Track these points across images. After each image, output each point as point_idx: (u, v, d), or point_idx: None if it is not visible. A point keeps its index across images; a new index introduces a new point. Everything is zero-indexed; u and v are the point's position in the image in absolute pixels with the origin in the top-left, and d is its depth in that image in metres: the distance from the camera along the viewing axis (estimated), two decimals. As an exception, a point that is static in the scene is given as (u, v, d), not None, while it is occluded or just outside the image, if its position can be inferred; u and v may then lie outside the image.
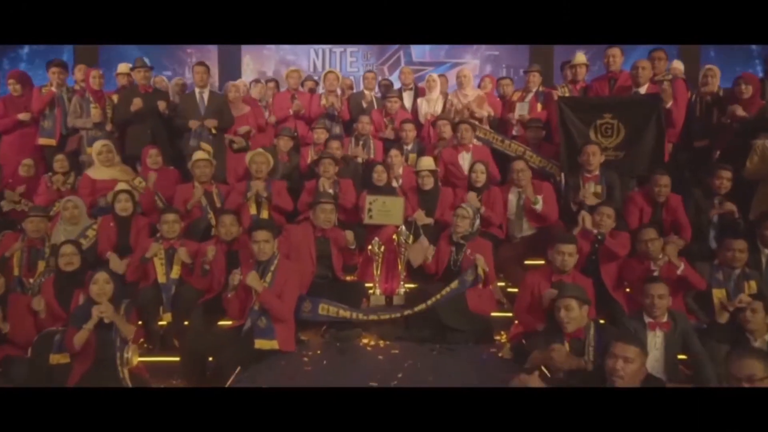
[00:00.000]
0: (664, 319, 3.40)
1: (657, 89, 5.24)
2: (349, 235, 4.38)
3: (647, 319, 3.41)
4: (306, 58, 11.02)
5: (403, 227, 4.47)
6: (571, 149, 5.31)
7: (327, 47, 11.38)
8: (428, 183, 4.87)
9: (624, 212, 4.72)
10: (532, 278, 3.85)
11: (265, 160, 5.01)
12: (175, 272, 4.20)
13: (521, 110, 6.13)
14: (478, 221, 4.29)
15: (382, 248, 4.39)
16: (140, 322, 3.89)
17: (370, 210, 4.64)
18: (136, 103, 5.52)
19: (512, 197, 4.91)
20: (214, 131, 5.52)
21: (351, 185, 5.11)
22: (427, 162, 4.96)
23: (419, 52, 11.47)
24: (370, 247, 4.40)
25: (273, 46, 10.68)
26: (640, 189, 4.89)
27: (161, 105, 5.65)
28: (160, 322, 4.08)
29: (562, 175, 5.38)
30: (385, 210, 4.62)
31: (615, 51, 5.69)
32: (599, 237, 4.15)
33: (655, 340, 3.36)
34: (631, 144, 5.15)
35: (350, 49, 11.63)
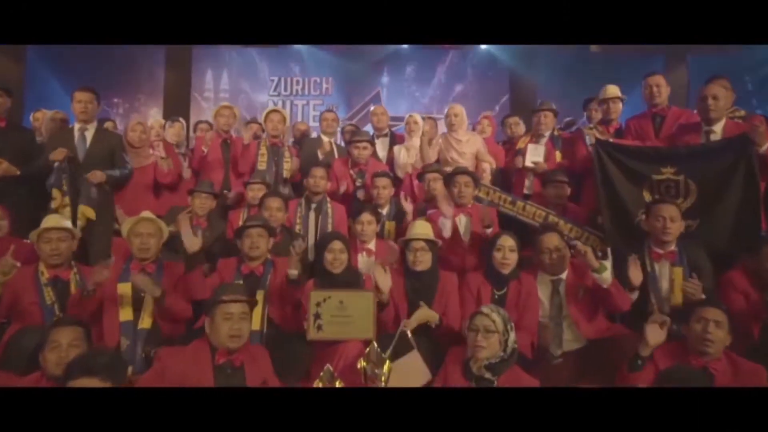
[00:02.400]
0: None
1: (737, 128, 3.67)
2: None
3: None
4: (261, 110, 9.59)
5: (375, 345, 2.61)
6: (617, 213, 3.68)
7: (288, 98, 10.07)
8: (423, 261, 3.10)
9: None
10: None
11: (154, 230, 3.16)
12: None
13: (535, 154, 4.50)
14: (512, 336, 2.48)
15: (338, 383, 2.49)
16: None
17: (317, 316, 2.76)
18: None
19: (543, 290, 3.15)
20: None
21: (292, 267, 3.27)
22: (422, 228, 3.22)
23: (393, 106, 10.17)
24: (317, 381, 2.50)
25: (212, 95, 9.23)
26: (739, 267, 3.20)
27: (59, 154, 3.69)
28: None
29: (608, 250, 3.66)
30: (343, 315, 2.75)
31: (658, 79, 4.17)
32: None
33: None
34: (709, 209, 3.50)
35: (314, 101, 10.32)
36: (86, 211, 3.67)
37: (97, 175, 3.75)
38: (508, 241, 3.11)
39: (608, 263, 3.02)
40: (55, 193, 3.66)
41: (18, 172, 3.68)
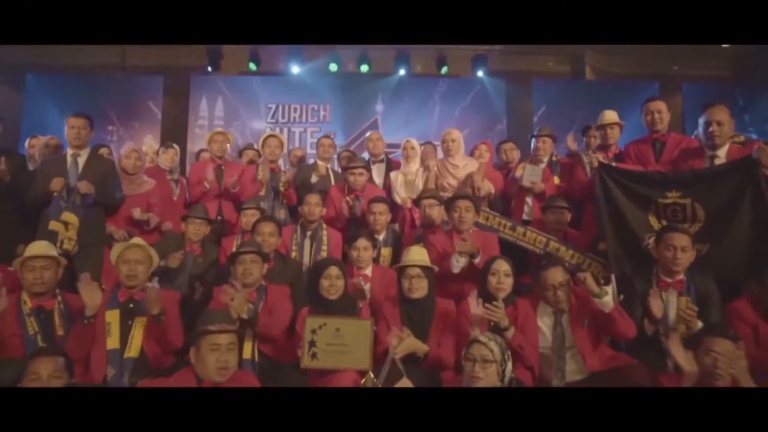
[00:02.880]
0: None
1: (740, 153, 3.62)
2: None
3: None
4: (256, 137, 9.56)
5: (371, 375, 2.50)
6: (622, 236, 3.59)
7: (285, 125, 10.08)
8: (420, 288, 3.00)
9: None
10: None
11: (143, 257, 3.05)
12: None
13: (533, 175, 4.43)
14: (509, 366, 2.38)
15: (333, 417, 2.38)
16: None
17: (312, 343, 2.66)
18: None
19: (545, 321, 3.05)
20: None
21: (285, 294, 3.18)
22: (418, 254, 3.14)
23: (391, 133, 10.18)
24: (310, 414, 2.39)
25: (206, 122, 9.24)
26: (745, 296, 3.11)
27: (57, 184, 3.69)
28: None
29: (612, 277, 3.57)
30: (339, 343, 2.64)
31: (659, 105, 4.11)
32: None
33: None
34: (718, 233, 3.42)
35: (311, 128, 10.33)
36: (68, 217, 3.63)
37: (85, 185, 3.71)
38: (503, 266, 3.03)
39: (609, 288, 2.93)
40: (55, 225, 3.60)
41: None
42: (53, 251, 3.10)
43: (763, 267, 3.12)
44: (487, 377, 2.32)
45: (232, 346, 2.35)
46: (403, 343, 2.80)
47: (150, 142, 5.29)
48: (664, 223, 3.48)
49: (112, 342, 2.85)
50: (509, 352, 2.44)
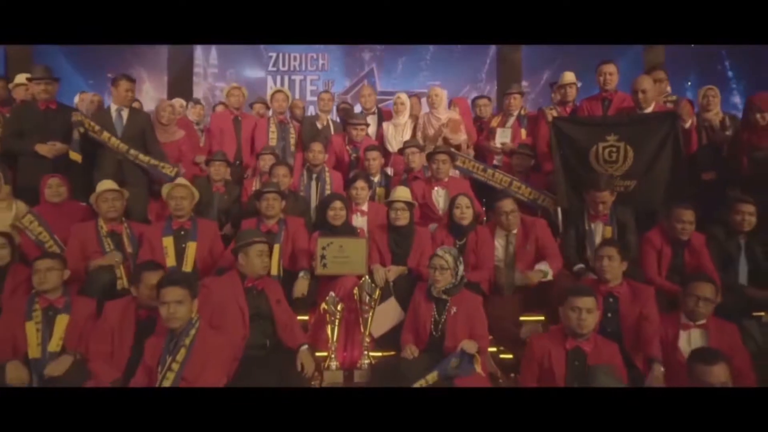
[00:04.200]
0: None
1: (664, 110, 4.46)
2: (302, 284, 3.31)
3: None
4: (263, 87, 10.12)
5: (367, 278, 3.44)
6: (570, 178, 4.45)
7: (285, 74, 10.62)
8: (403, 218, 3.88)
9: (640, 258, 3.84)
10: (540, 345, 2.89)
11: (186, 194, 3.92)
12: (55, 344, 3.08)
13: (503, 137, 5.29)
14: (461, 269, 3.30)
15: (340, 306, 3.34)
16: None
17: (323, 257, 3.59)
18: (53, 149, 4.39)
19: (500, 242, 3.98)
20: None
21: (301, 225, 4.07)
22: (403, 192, 3.99)
23: (385, 82, 10.78)
24: (323, 304, 3.35)
25: (201, 70, 9.75)
26: (657, 227, 4.01)
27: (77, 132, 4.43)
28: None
29: (558, 210, 4.48)
30: (342, 256, 3.58)
31: (610, 68, 4.89)
32: (611, 299, 3.29)
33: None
34: (643, 171, 4.28)
35: (310, 76, 10.86)
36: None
37: None
38: (464, 200, 3.90)
39: (546, 269, 3.79)
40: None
41: (68, 150, 4.42)
42: (117, 186, 3.95)
43: (675, 201, 3.99)
44: (443, 279, 3.21)
45: (265, 252, 3.29)
46: (392, 271, 3.72)
47: (148, 92, 6.03)
48: (602, 162, 4.31)
49: (170, 261, 3.75)
50: (461, 258, 3.32)
